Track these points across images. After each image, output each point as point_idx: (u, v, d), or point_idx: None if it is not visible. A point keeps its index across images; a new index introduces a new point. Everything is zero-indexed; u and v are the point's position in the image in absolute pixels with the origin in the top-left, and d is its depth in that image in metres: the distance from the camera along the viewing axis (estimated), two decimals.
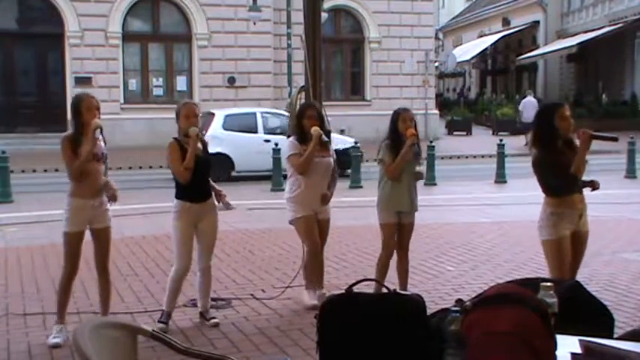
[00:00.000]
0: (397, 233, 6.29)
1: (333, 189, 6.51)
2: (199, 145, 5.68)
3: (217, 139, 14.55)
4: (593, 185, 5.34)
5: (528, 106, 25.75)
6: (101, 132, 5.38)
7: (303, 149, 6.26)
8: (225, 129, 16.15)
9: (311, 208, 6.34)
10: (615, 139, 5.34)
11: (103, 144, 5.49)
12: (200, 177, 5.71)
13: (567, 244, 5.19)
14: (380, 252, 6.34)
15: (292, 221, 6.44)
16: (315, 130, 6.16)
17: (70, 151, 5.32)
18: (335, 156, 6.56)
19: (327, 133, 6.37)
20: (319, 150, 6.27)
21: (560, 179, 5.07)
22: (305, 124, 6.26)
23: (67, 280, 5.54)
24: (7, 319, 6.07)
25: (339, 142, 15.09)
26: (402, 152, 6.05)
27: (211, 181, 5.97)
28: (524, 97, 27.86)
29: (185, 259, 5.77)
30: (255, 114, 17.08)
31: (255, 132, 16.58)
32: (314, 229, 6.36)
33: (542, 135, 5.15)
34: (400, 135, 6.09)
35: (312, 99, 6.59)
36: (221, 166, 14.03)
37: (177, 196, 5.77)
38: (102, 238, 5.57)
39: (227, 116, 16.62)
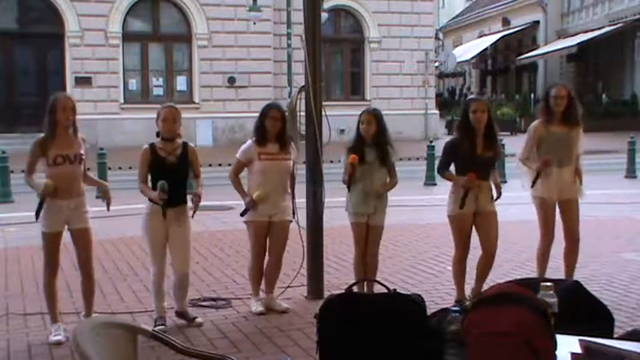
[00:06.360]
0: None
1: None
2: (174, 152, 5.56)
3: None
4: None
5: None
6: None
7: (260, 151, 6.09)
8: None
9: (264, 212, 6.13)
10: (469, 189, 5.86)
11: (82, 144, 5.43)
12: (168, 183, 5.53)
13: (463, 221, 6.00)
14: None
15: (245, 222, 6.29)
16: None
17: (33, 156, 5.33)
18: (296, 155, 6.27)
19: (288, 137, 6.16)
20: (278, 152, 6.10)
21: (448, 161, 6.04)
22: (266, 123, 6.08)
23: (49, 280, 5.54)
24: (7, 319, 6.06)
25: None
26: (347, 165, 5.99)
27: (198, 184, 5.75)
28: (471, 94, 34.76)
29: (156, 261, 5.75)
30: None
31: None
32: (261, 236, 6.19)
33: (459, 122, 6.15)
34: (361, 137, 6.03)
35: (312, 99, 6.56)
36: None
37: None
38: (80, 239, 5.54)
39: None
